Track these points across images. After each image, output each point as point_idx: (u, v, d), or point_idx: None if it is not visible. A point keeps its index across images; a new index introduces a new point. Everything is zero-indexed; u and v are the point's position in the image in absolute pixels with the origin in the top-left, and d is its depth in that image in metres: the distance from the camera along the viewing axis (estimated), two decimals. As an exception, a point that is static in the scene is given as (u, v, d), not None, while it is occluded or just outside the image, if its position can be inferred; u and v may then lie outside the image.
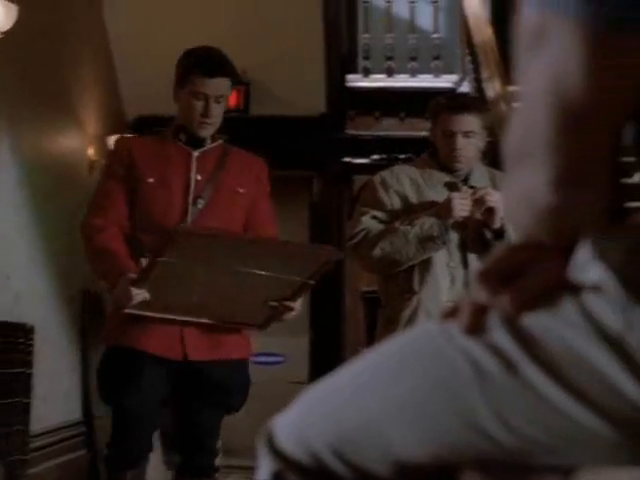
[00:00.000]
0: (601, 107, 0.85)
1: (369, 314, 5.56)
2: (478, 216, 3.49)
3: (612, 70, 0.84)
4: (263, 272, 3.09)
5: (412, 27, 8.16)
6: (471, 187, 3.57)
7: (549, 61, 0.86)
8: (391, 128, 7.84)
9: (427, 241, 3.47)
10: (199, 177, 3.35)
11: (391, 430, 0.99)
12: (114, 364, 3.33)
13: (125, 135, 5.41)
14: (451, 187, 3.58)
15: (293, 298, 3.21)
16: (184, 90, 3.32)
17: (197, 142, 3.37)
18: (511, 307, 0.92)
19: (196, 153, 3.37)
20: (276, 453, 1.10)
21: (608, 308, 0.88)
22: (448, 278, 3.52)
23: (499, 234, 3.48)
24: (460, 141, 3.54)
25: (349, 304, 7.71)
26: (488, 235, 3.49)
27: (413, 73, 7.97)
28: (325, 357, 7.29)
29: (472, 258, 3.53)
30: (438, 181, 3.62)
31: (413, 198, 3.60)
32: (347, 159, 7.90)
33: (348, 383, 1.06)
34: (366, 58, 8.04)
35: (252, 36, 6.98)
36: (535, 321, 0.91)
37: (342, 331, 7.72)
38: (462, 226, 3.51)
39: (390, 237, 3.51)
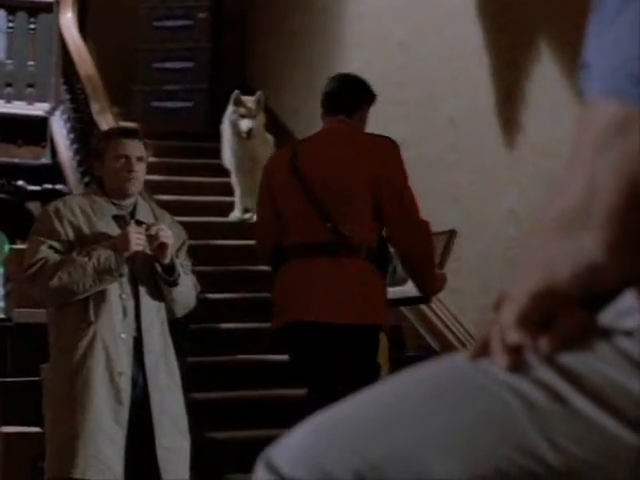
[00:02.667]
0: None
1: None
2: (148, 250, 3.61)
3: None
4: None
5: (10, 53, 8.19)
6: (137, 222, 3.69)
7: (631, 148, 0.98)
8: (-15, 152, 7.81)
9: (104, 273, 3.53)
10: None
11: (430, 458, 1.05)
12: None
13: None
14: (119, 220, 3.69)
15: None
16: None
17: None
18: (550, 348, 1.04)
19: None
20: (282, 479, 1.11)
21: None
22: (121, 309, 3.61)
23: (169, 268, 3.64)
24: (135, 165, 3.70)
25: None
26: (159, 269, 3.63)
27: (8, 99, 8.02)
28: None
29: (142, 291, 3.65)
30: (108, 213, 3.71)
31: (85, 229, 3.65)
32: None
33: (376, 415, 1.10)
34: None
35: None
36: (574, 359, 1.04)
37: None
38: (131, 259, 3.62)
39: (67, 268, 3.54)
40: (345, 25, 6.82)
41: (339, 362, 3.62)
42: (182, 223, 4.04)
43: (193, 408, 4.01)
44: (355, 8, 6.68)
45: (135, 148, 3.74)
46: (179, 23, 8.60)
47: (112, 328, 3.60)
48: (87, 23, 8.64)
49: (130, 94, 8.40)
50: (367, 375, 3.54)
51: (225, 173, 6.61)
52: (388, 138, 3.85)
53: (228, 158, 6.52)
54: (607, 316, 1.07)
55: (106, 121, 6.08)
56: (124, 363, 3.60)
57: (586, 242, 1.01)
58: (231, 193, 6.57)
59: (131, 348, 3.62)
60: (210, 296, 5.41)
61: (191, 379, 4.32)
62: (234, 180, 6.53)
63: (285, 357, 5.32)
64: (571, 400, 1.03)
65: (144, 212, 3.81)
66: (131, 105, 8.39)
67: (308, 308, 3.63)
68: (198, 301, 3.95)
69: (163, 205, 4.44)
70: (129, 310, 3.64)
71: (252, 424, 4.79)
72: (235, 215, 6.55)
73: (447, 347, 4.77)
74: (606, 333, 1.05)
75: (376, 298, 3.72)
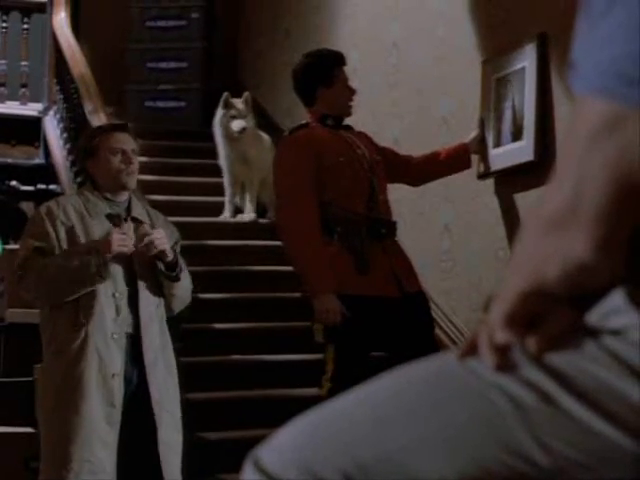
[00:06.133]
0: None
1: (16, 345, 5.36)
2: (130, 249, 3.59)
3: None
4: None
5: (3, 53, 8.20)
6: (133, 219, 3.70)
7: (619, 147, 0.96)
8: (-21, 152, 7.82)
9: (85, 276, 3.52)
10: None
11: (418, 459, 1.05)
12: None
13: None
14: (113, 219, 3.69)
15: None
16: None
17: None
18: (538, 348, 1.03)
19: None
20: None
21: (631, 349, 1.01)
22: (113, 308, 3.59)
23: (171, 265, 3.66)
24: (132, 157, 3.73)
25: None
26: (161, 267, 3.64)
27: (2, 99, 8.02)
28: None
29: (142, 286, 3.63)
30: (101, 212, 3.70)
31: (79, 229, 3.63)
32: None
33: (365, 415, 1.10)
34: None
35: None
36: (562, 359, 1.03)
37: None
38: (127, 258, 3.61)
39: (51, 271, 3.53)
40: (338, 25, 6.81)
41: None
42: (175, 223, 4.05)
43: (185, 408, 4.00)
44: (348, 8, 6.68)
45: (129, 141, 3.78)
46: (172, 23, 8.58)
47: (103, 329, 3.57)
48: (80, 23, 8.63)
49: (123, 94, 8.38)
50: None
51: (218, 173, 6.61)
52: (283, 136, 4.32)
53: (221, 159, 6.53)
54: (595, 316, 1.07)
55: (99, 121, 6.03)
56: (117, 364, 3.58)
57: (575, 242, 1.00)
58: (224, 193, 6.57)
59: (124, 347, 3.60)
60: (202, 296, 5.41)
61: (183, 379, 4.32)
62: (225, 181, 6.53)
63: (277, 357, 5.35)
64: (559, 400, 1.02)
65: (139, 210, 3.82)
66: (124, 105, 8.37)
67: None
68: (190, 300, 3.95)
69: (156, 205, 4.45)
70: (122, 308, 3.62)
71: (244, 424, 4.79)
72: (225, 216, 6.54)
73: (439, 346, 4.77)
74: (594, 333, 1.05)
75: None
